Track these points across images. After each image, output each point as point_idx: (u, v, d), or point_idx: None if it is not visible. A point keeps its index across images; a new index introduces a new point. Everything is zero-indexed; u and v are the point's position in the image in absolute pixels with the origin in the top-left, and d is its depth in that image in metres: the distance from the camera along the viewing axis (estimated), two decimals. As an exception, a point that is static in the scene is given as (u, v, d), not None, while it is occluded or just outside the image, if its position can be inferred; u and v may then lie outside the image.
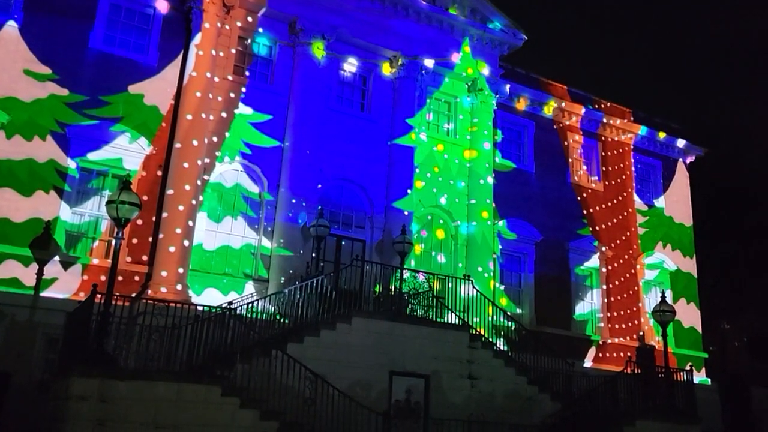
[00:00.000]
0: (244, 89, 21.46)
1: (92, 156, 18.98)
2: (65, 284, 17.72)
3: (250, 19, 21.88)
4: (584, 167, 28.83)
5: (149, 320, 13.58)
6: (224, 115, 20.87)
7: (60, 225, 18.15)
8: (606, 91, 31.90)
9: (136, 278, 18.59)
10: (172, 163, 19.41)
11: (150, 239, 19.04)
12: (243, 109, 21.28)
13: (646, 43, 75.69)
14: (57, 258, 17.50)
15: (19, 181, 17.87)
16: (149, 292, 17.75)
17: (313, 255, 20.12)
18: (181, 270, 18.53)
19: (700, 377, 27.07)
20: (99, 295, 13.14)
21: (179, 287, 18.28)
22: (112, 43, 20.13)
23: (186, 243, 18.79)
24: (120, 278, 16.95)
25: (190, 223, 19.03)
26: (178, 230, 18.71)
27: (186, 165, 19.24)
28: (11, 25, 18.69)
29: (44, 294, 16.85)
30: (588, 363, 25.38)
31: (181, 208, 18.89)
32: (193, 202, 19.19)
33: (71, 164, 18.64)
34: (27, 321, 16.10)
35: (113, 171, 19.24)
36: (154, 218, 19.10)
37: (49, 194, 18.18)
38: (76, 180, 18.73)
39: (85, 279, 17.91)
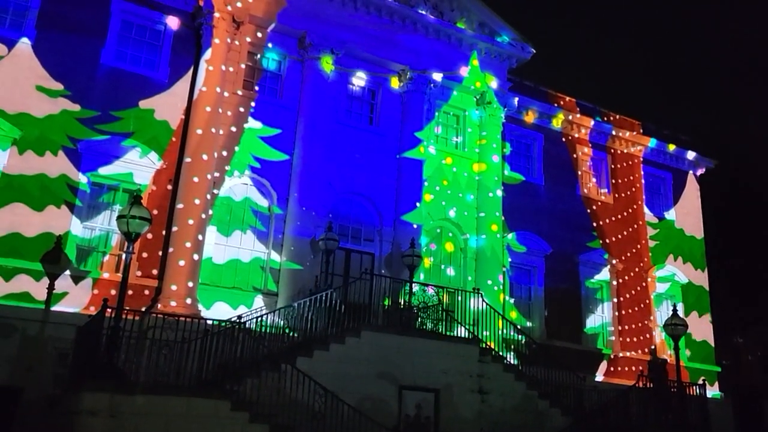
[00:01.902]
0: (253, 104, 21.58)
1: (103, 171, 19.12)
2: (76, 298, 17.80)
3: (259, 34, 22.05)
4: (593, 180, 28.77)
5: (159, 334, 13.62)
6: (234, 129, 20.99)
7: (71, 239, 18.25)
8: (615, 103, 31.89)
9: (146, 292, 18.65)
10: (182, 178, 19.51)
11: (160, 253, 19.10)
12: (252, 124, 21.40)
13: (656, 54, 75.68)
14: (68, 272, 17.57)
15: (31, 196, 18.00)
16: (159, 306, 17.80)
17: (322, 269, 20.10)
18: (190, 284, 18.56)
19: (712, 391, 26.81)
20: (109, 310, 13.21)
21: (189, 301, 18.31)
22: (123, 59, 20.32)
23: (195, 257, 18.84)
24: (130, 292, 16.98)
25: (200, 237, 19.09)
26: (188, 244, 18.77)
27: (196, 179, 19.34)
28: (24, 42, 18.90)
29: (55, 308, 16.89)
30: (599, 377, 25.20)
31: (191, 222, 18.97)
32: (203, 216, 19.26)
33: (82, 179, 18.77)
34: (38, 335, 16.14)
35: (124, 185, 19.36)
36: (164, 232, 19.17)
37: (60, 209, 18.31)
38: (87, 195, 18.85)
39: (96, 293, 17.99)
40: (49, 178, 18.31)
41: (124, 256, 14.00)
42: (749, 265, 38.80)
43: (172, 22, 20.99)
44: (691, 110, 67.79)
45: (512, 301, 24.76)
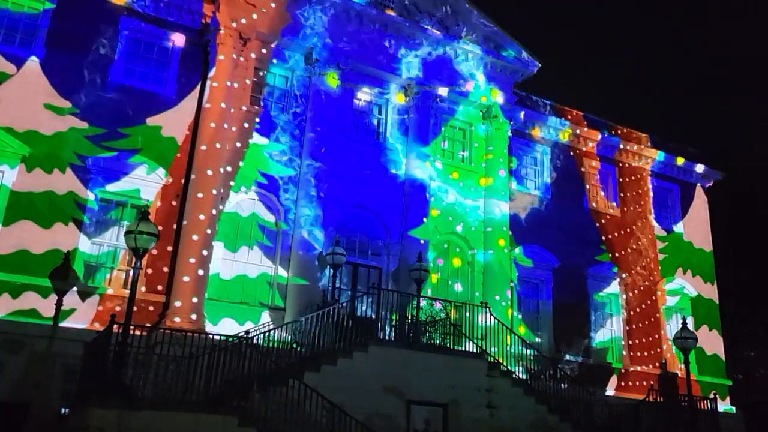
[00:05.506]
0: (259, 119, 21.66)
1: (111, 187, 19.18)
2: (83, 315, 17.82)
3: (266, 50, 22.18)
4: (601, 193, 28.67)
5: (167, 350, 13.61)
6: (240, 145, 21.02)
7: (78, 256, 18.29)
8: (623, 114, 31.94)
9: (151, 308, 18.57)
10: (188, 194, 19.55)
11: (165, 269, 19.08)
12: (259, 139, 21.46)
13: (662, 66, 75.74)
14: (75, 288, 17.59)
15: (39, 213, 18.07)
16: (165, 321, 17.76)
17: (329, 283, 20.05)
18: (195, 300, 18.51)
19: (724, 405, 26.55)
20: (117, 325, 13.21)
21: (194, 317, 18.24)
22: (131, 76, 20.44)
23: (201, 272, 18.79)
24: (135, 308, 16.96)
25: (205, 252, 19.02)
26: (192, 260, 18.74)
27: (200, 195, 19.36)
28: (33, 60, 19.08)
29: (62, 324, 16.90)
30: (609, 391, 24.97)
31: (195, 237, 18.95)
32: (208, 231, 19.23)
33: (90, 196, 18.84)
34: (45, 351, 16.16)
35: (132, 201, 19.43)
36: (170, 248, 19.15)
37: (68, 226, 18.36)
38: (94, 211, 18.91)
39: (100, 309, 18.01)
40: (57, 195, 18.39)
41: (132, 271, 14.00)
42: (759, 277, 38.51)
43: (180, 39, 21.16)
44: (697, 121, 67.75)
45: (520, 316, 24.60)
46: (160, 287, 18.95)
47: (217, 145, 20.02)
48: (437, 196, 23.82)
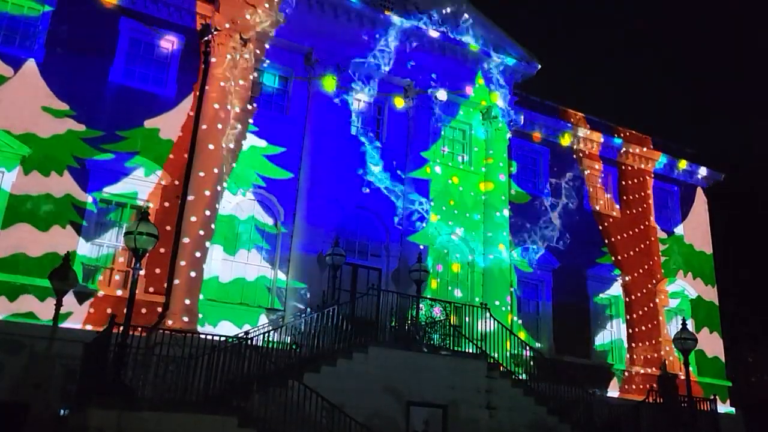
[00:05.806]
0: (258, 121, 21.61)
1: (108, 190, 19.09)
2: (78, 316, 17.75)
3: (265, 51, 22.14)
4: (603, 195, 28.61)
5: (167, 351, 13.61)
6: (236, 147, 20.86)
7: (77, 259, 18.21)
8: (623, 115, 31.92)
9: (144, 310, 18.37)
10: (182, 196, 19.48)
11: (157, 271, 18.95)
12: (257, 142, 21.40)
13: (662, 66, 75.75)
14: (73, 290, 17.51)
15: (37, 216, 18.02)
16: (164, 322, 17.70)
17: (328, 284, 20.02)
18: (188, 301, 18.35)
19: (725, 407, 26.53)
20: (116, 326, 13.22)
21: (186, 318, 18.09)
22: (130, 77, 20.35)
23: (193, 274, 18.64)
24: (125, 310, 16.86)
25: (198, 254, 18.87)
26: (183, 262, 18.63)
27: (191, 197, 19.30)
28: (31, 62, 19.02)
29: (62, 325, 16.85)
30: (610, 392, 24.92)
31: (186, 240, 18.86)
32: (201, 233, 19.05)
33: (88, 198, 18.77)
34: (45, 352, 16.14)
35: (131, 203, 19.36)
36: (162, 250, 18.84)
37: (65, 229, 18.30)
38: (93, 214, 18.84)
39: (92, 312, 17.95)
40: (54, 198, 18.35)
41: (132, 272, 13.95)
42: (759, 277, 38.51)
43: (180, 40, 21.11)
44: (697, 121, 67.80)
45: (520, 321, 24.49)
46: (151, 289, 18.84)
47: (210, 147, 19.84)
48: (436, 199, 23.74)
